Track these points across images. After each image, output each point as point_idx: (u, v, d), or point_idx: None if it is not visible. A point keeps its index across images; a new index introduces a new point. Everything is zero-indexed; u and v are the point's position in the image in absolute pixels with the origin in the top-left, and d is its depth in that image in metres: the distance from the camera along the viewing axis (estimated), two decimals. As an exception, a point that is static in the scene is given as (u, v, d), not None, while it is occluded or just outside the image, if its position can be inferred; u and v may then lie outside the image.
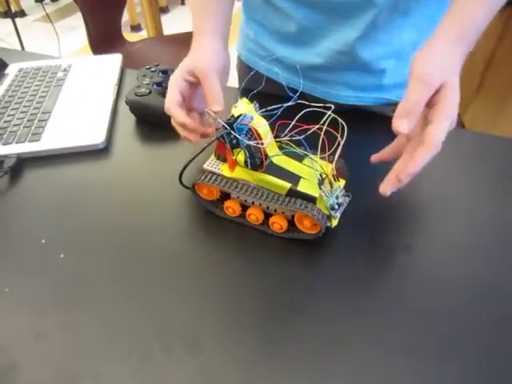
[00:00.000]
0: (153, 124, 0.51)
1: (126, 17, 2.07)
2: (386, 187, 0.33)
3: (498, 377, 0.29)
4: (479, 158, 0.47)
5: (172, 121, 0.41)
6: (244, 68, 0.60)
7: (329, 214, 0.34)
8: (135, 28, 2.24)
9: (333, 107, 0.31)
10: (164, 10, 2.43)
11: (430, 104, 0.31)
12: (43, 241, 0.38)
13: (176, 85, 0.40)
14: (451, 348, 0.30)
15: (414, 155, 0.31)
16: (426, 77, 0.31)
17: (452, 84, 0.32)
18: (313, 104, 0.32)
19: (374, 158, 0.38)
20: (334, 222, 0.35)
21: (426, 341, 0.30)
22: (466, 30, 0.35)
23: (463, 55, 0.34)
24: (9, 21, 1.72)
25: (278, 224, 0.36)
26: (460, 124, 0.92)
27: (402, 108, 0.31)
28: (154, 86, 0.52)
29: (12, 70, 0.62)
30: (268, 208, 0.36)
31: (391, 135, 0.34)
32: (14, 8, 2.24)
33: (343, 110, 0.34)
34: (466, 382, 0.28)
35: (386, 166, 0.47)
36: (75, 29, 2.20)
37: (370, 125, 0.47)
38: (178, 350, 0.30)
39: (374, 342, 0.30)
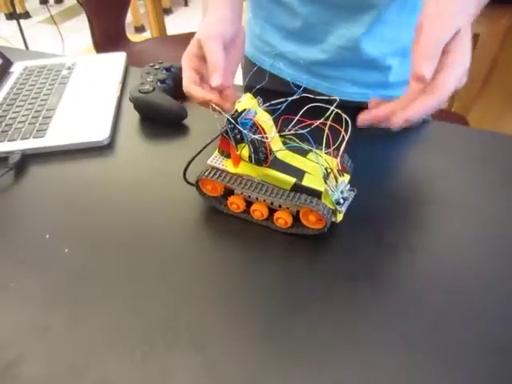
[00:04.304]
0: (156, 121, 0.51)
1: (129, 18, 2.08)
2: (365, 119, 0.30)
3: (501, 376, 0.28)
4: (484, 157, 0.46)
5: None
6: (249, 66, 0.60)
7: (334, 208, 0.34)
8: (139, 29, 2.26)
9: (337, 99, 0.31)
10: (167, 11, 2.44)
11: (443, 51, 0.28)
12: (47, 236, 0.38)
13: (187, 64, 0.37)
14: (455, 347, 0.29)
15: (416, 100, 0.27)
16: (446, 13, 0.27)
17: (466, 31, 0.28)
18: (317, 97, 0.32)
19: (373, 102, 0.33)
20: (339, 217, 0.35)
21: (429, 340, 0.30)
22: None
23: (473, 9, 0.30)
24: (14, 22, 1.74)
25: (282, 219, 0.36)
26: (464, 123, 0.92)
27: (423, 49, 0.27)
28: (158, 83, 0.52)
29: (17, 69, 0.62)
30: (272, 203, 0.36)
31: (396, 131, 0.33)
32: (18, 9, 2.26)
33: (348, 107, 0.34)
34: (469, 381, 0.28)
35: (391, 163, 0.47)
36: (79, 30, 2.21)
37: (374, 121, 0.47)
38: (182, 346, 0.30)
39: (377, 340, 0.30)
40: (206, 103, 0.35)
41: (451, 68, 0.27)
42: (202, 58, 0.36)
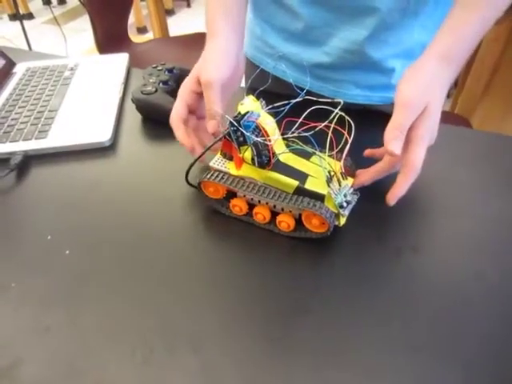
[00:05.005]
0: (158, 122, 0.51)
1: (131, 19, 2.08)
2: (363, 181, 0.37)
3: (503, 378, 0.28)
4: (487, 158, 0.46)
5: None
6: (250, 66, 0.60)
7: (337, 212, 0.34)
8: (141, 30, 2.26)
9: (342, 102, 0.31)
10: (170, 12, 2.45)
11: (411, 126, 0.33)
12: (49, 237, 0.38)
13: (183, 97, 0.40)
14: (458, 348, 0.29)
15: (397, 181, 0.34)
16: (410, 102, 0.33)
17: (431, 110, 0.33)
18: (321, 100, 0.31)
19: (367, 152, 0.40)
20: (342, 221, 0.35)
21: (433, 341, 0.30)
22: (457, 47, 0.36)
23: (452, 73, 0.36)
24: (17, 23, 1.74)
25: (285, 223, 0.36)
26: (468, 125, 0.91)
27: (392, 131, 0.33)
28: (160, 85, 0.52)
29: (20, 69, 0.62)
30: (275, 206, 0.36)
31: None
32: (22, 10, 2.27)
33: (351, 110, 0.34)
34: (472, 382, 0.28)
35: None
36: (82, 31, 2.22)
37: (377, 124, 0.46)
38: (182, 348, 0.30)
39: (379, 342, 0.30)
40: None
41: (416, 145, 0.33)
42: (200, 93, 0.39)
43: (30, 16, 2.45)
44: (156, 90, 0.51)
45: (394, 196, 0.34)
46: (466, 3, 0.36)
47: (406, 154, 0.33)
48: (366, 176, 0.37)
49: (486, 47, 1.01)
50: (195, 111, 0.41)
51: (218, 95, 0.37)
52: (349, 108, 0.33)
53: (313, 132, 0.32)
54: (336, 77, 0.51)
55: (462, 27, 0.36)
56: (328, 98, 0.33)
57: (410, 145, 0.33)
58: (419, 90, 0.34)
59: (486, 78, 1.04)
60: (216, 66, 0.38)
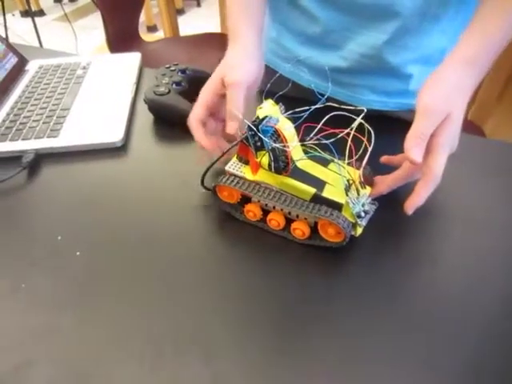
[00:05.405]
0: (171, 123, 0.51)
1: (141, 17, 2.09)
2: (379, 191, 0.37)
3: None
4: (506, 169, 0.45)
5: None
6: (266, 71, 0.59)
7: (354, 221, 0.33)
8: (151, 29, 2.27)
9: (365, 110, 0.30)
10: (180, 11, 2.45)
11: (432, 133, 0.33)
12: (59, 237, 0.38)
13: (204, 99, 0.39)
14: (475, 363, 0.28)
15: (416, 189, 0.33)
16: (431, 110, 0.32)
17: (453, 117, 0.32)
18: (343, 107, 0.30)
19: (384, 159, 0.40)
20: (359, 231, 0.34)
21: (448, 356, 0.29)
22: (485, 52, 0.35)
23: (475, 79, 0.35)
24: (28, 20, 1.75)
25: (300, 230, 0.35)
26: (481, 133, 0.90)
27: (412, 139, 0.32)
28: (173, 86, 0.52)
29: (32, 67, 0.62)
30: (290, 213, 0.35)
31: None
32: (33, 7, 2.28)
33: (368, 116, 0.33)
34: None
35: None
36: (93, 29, 2.23)
37: (393, 130, 0.46)
38: (190, 357, 0.29)
39: (394, 357, 0.29)
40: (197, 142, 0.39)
41: (436, 153, 0.32)
42: (222, 95, 0.39)
43: (41, 13, 2.46)
44: (169, 91, 0.51)
45: (412, 205, 0.33)
46: (495, 6, 0.35)
47: (426, 162, 0.32)
48: (384, 185, 0.36)
49: (501, 55, 0.99)
50: (215, 114, 0.41)
51: (242, 97, 0.37)
52: (366, 114, 0.32)
53: (334, 140, 0.31)
54: (353, 82, 0.50)
55: (493, 31, 0.34)
56: (344, 102, 0.32)
57: (431, 153, 0.32)
58: (441, 97, 0.33)
59: (501, 86, 1.02)
60: (243, 68, 0.38)
